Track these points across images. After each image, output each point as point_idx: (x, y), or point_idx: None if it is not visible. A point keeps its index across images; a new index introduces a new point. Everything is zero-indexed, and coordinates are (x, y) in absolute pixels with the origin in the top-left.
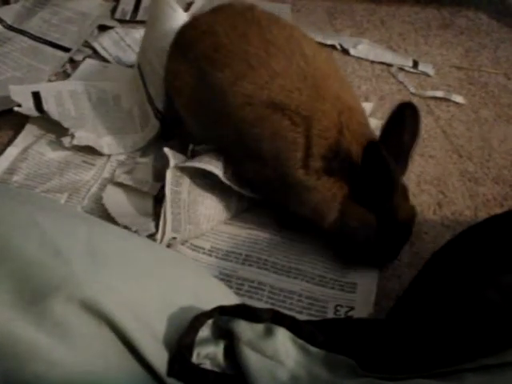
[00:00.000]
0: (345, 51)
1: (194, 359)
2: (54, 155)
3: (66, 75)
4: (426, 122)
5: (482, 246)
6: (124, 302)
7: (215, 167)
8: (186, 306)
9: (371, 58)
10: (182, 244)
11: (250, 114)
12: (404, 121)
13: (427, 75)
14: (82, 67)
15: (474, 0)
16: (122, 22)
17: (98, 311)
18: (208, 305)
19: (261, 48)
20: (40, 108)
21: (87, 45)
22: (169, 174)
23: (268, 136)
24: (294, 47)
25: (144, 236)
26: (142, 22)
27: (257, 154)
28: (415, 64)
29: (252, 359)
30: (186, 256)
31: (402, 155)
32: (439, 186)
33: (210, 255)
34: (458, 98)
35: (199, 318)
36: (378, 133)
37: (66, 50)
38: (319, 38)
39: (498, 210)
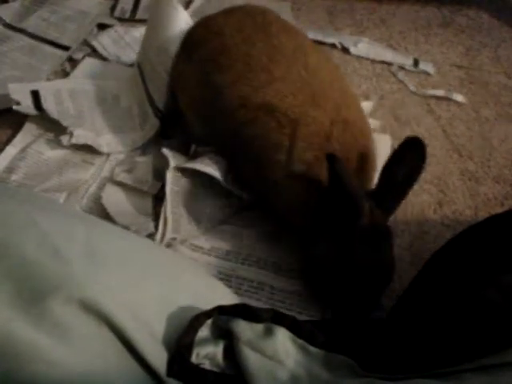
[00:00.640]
0: (345, 50)
1: (194, 359)
2: (53, 154)
3: (64, 74)
4: (426, 122)
5: (482, 245)
6: (123, 302)
7: (215, 170)
8: (186, 305)
9: (371, 56)
10: (182, 243)
11: (244, 116)
12: (405, 156)
13: (428, 74)
14: (81, 66)
15: None
16: (121, 20)
17: (98, 311)
18: (207, 305)
19: (264, 53)
20: (39, 106)
21: (86, 43)
22: (169, 175)
23: (258, 137)
24: (298, 56)
25: (143, 236)
26: (141, 21)
27: (250, 155)
28: (416, 63)
29: (251, 359)
30: (186, 256)
31: (396, 192)
32: (440, 186)
33: (210, 255)
34: (459, 97)
35: (198, 318)
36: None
37: (65, 48)
38: (319, 37)
39: (499, 210)
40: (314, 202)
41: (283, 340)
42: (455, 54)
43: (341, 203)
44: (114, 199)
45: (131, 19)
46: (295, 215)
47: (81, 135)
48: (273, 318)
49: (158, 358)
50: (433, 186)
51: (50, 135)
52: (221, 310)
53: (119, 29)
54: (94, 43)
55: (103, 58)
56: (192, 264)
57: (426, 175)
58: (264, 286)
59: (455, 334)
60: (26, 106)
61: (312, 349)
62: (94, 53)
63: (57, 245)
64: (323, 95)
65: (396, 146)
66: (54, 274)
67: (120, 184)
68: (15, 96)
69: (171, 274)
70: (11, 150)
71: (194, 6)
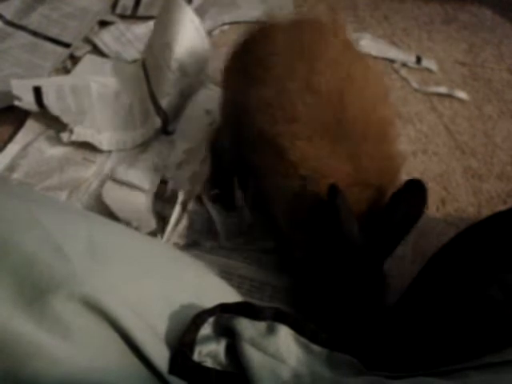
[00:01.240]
0: None
1: (196, 357)
2: (54, 152)
3: (66, 71)
4: (429, 119)
5: (485, 243)
6: (125, 299)
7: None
8: (188, 303)
9: (374, 53)
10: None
11: (258, 145)
12: (405, 199)
13: (430, 71)
14: (83, 63)
15: None
16: (122, 17)
17: (99, 309)
18: (209, 302)
19: (297, 88)
20: (40, 103)
21: (88, 40)
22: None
23: (267, 171)
24: (335, 99)
25: (145, 233)
26: (142, 18)
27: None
28: (418, 60)
29: (254, 357)
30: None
31: (393, 234)
32: (442, 183)
33: (211, 253)
34: (462, 94)
35: (200, 316)
36: None
37: (67, 45)
38: None
39: (502, 207)
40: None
41: (285, 338)
42: (458, 50)
43: (338, 242)
44: (115, 197)
45: (132, 16)
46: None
47: (81, 132)
48: (275, 317)
49: (160, 356)
50: (435, 184)
51: (52, 133)
52: (223, 308)
53: (120, 26)
54: (96, 40)
55: (104, 55)
56: (194, 262)
57: (428, 173)
58: (265, 284)
59: (458, 333)
60: (28, 102)
61: (314, 347)
62: (96, 50)
63: (59, 242)
64: (354, 148)
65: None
66: (56, 272)
67: (121, 182)
68: (17, 92)
69: (173, 271)
70: (13, 148)
71: (195, 3)
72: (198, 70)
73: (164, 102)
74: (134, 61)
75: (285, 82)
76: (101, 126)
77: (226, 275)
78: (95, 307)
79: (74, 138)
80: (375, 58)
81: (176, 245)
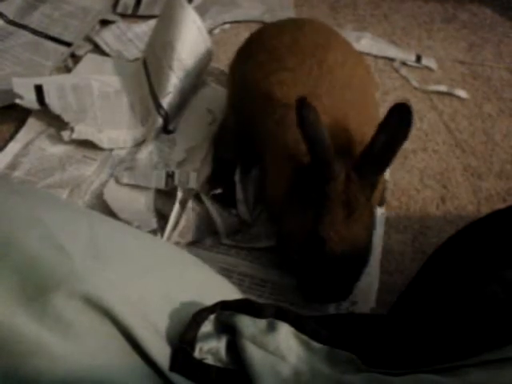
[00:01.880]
0: None
1: (197, 354)
2: (56, 150)
3: (67, 70)
4: (429, 117)
5: (484, 241)
6: (126, 297)
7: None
8: (188, 300)
9: (374, 52)
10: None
11: (255, 99)
12: (390, 123)
13: (430, 70)
14: (84, 62)
15: None
16: (123, 16)
17: (101, 306)
18: (210, 300)
19: (286, 46)
20: (42, 101)
21: (89, 39)
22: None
23: (259, 120)
24: (318, 52)
25: (146, 231)
26: (143, 17)
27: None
28: (418, 58)
29: (254, 354)
30: (188, 251)
31: (378, 161)
32: (442, 181)
33: (212, 250)
34: (461, 93)
35: (201, 313)
36: None
37: (68, 44)
38: None
39: (501, 205)
40: (293, 181)
41: (286, 335)
42: (458, 49)
43: (312, 165)
44: (116, 195)
45: (133, 15)
46: (276, 197)
47: (82, 131)
48: (276, 314)
49: (161, 353)
50: (435, 182)
51: (53, 131)
52: (224, 306)
53: (121, 25)
54: (97, 39)
55: (106, 54)
56: (195, 260)
57: (428, 171)
58: (266, 281)
59: (457, 330)
60: (29, 100)
61: (315, 344)
62: (97, 49)
63: (60, 240)
64: (327, 92)
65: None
66: (57, 269)
67: (125, 184)
68: (18, 90)
69: (174, 269)
70: (14, 146)
71: (196, 1)
72: (199, 69)
73: (165, 101)
74: (135, 60)
75: (275, 45)
76: (102, 125)
77: (227, 272)
78: (96, 305)
79: (74, 136)
80: (375, 56)
81: (176, 244)
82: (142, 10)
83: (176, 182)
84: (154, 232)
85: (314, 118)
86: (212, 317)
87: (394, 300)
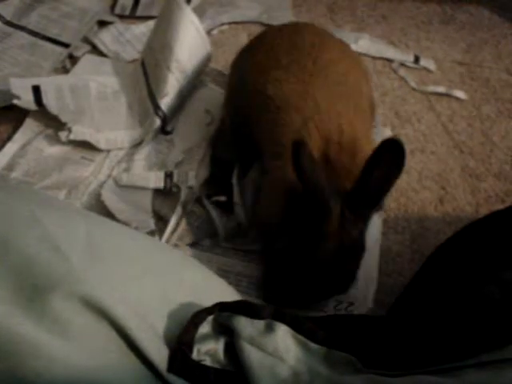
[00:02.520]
0: None
1: (195, 355)
2: (53, 151)
3: (65, 71)
4: (427, 118)
5: (483, 242)
6: (123, 298)
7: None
8: (186, 302)
9: (372, 53)
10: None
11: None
12: (383, 159)
13: (428, 70)
14: (82, 62)
15: None
16: (121, 17)
17: (98, 307)
18: (208, 301)
19: (283, 45)
20: (39, 102)
21: (87, 40)
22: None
23: (253, 118)
24: (312, 50)
25: (144, 232)
26: (141, 18)
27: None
28: (416, 59)
29: (252, 356)
30: (186, 252)
31: (371, 197)
32: (441, 182)
33: (209, 251)
34: (460, 94)
35: (199, 315)
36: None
37: (66, 45)
38: None
39: (500, 206)
40: (286, 202)
41: (284, 336)
42: (456, 50)
43: (309, 202)
44: (114, 196)
45: (131, 16)
46: (268, 217)
47: (79, 131)
48: (273, 315)
49: (159, 354)
50: (434, 183)
51: (50, 132)
52: (222, 307)
53: (119, 26)
54: (95, 40)
55: (103, 55)
56: (192, 260)
57: (426, 172)
58: None
59: (455, 331)
60: (27, 101)
61: (313, 345)
62: (95, 50)
63: (58, 241)
64: (318, 90)
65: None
66: (55, 270)
67: (124, 186)
68: (16, 91)
69: (172, 270)
70: (12, 147)
71: (194, 2)
72: (197, 70)
73: (163, 102)
74: (133, 61)
75: (273, 45)
76: (99, 126)
77: (224, 273)
78: (94, 306)
79: (72, 137)
80: (373, 57)
81: (175, 246)
82: (140, 11)
83: (175, 181)
84: (152, 233)
85: (309, 162)
86: (210, 318)
87: (392, 301)
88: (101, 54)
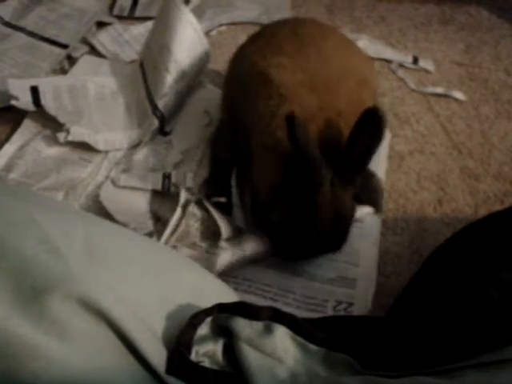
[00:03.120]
0: None
1: (193, 357)
2: (51, 152)
3: (63, 72)
4: (425, 119)
5: (482, 243)
6: (122, 300)
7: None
8: (185, 303)
9: (371, 54)
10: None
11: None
12: (365, 128)
13: (427, 71)
14: (80, 63)
15: None
16: (120, 18)
17: (96, 309)
18: (207, 302)
19: (286, 34)
20: (37, 102)
21: (85, 41)
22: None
23: (252, 104)
24: (316, 40)
25: (142, 234)
26: (140, 18)
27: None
28: (415, 60)
29: (251, 357)
30: (185, 254)
31: (356, 164)
32: (439, 183)
33: (208, 252)
34: (459, 95)
35: (198, 316)
36: None
37: (64, 46)
38: None
39: (499, 207)
40: (280, 177)
41: (282, 338)
42: (455, 51)
43: (302, 172)
44: (113, 197)
45: (130, 17)
46: (263, 190)
47: (77, 132)
48: (272, 316)
49: (157, 356)
50: (432, 184)
51: (49, 133)
52: (220, 308)
53: (118, 27)
54: (93, 41)
55: (102, 56)
56: (191, 262)
57: (425, 173)
58: (262, 283)
59: (454, 332)
60: (25, 102)
61: (311, 346)
62: (93, 51)
63: (56, 242)
64: (324, 84)
65: (393, 145)
66: (53, 272)
67: (122, 187)
68: (14, 92)
69: (170, 271)
70: (9, 148)
71: (193, 3)
72: (196, 70)
73: (161, 103)
74: (132, 61)
75: (275, 33)
76: (97, 127)
77: (223, 275)
78: (92, 308)
79: (70, 138)
80: (372, 58)
81: (173, 247)
82: (138, 12)
83: (174, 182)
84: (150, 234)
85: (304, 135)
86: (209, 319)
87: (391, 302)
88: (99, 54)
